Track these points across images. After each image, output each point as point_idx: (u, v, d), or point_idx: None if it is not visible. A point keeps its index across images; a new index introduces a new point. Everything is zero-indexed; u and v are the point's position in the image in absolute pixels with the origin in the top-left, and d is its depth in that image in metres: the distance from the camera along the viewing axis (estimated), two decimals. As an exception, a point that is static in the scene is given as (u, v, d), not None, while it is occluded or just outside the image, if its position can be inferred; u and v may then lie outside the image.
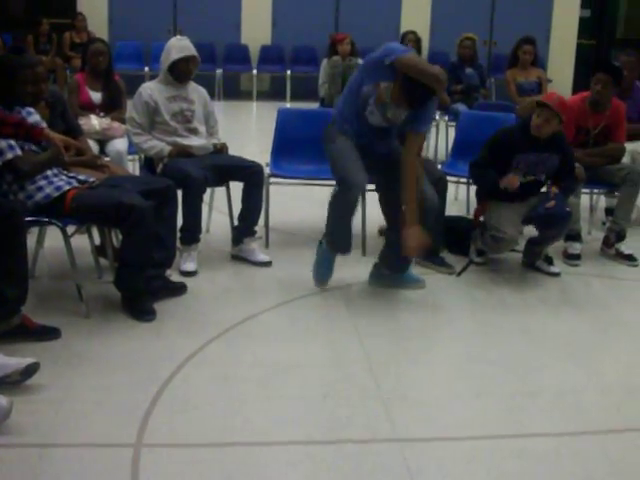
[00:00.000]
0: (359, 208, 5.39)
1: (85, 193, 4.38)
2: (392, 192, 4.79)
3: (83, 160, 4.91)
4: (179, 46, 5.35)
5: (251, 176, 5.33)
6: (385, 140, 4.83)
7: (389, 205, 4.96)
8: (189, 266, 5.17)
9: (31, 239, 4.97)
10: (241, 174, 5.35)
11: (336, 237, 4.85)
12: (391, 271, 5.10)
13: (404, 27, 12.76)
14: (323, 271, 4.99)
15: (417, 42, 9.52)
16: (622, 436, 3.50)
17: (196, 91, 5.53)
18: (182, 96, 5.40)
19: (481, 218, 5.53)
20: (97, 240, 5.09)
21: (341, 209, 4.67)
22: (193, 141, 5.38)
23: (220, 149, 5.56)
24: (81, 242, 5.03)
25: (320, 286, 5.01)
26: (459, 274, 5.42)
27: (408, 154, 4.68)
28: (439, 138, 8.66)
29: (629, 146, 6.25)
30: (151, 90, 5.34)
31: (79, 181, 4.49)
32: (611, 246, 5.94)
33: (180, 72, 5.35)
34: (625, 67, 6.52)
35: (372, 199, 5.64)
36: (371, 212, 5.73)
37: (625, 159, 6.16)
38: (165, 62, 5.34)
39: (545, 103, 5.18)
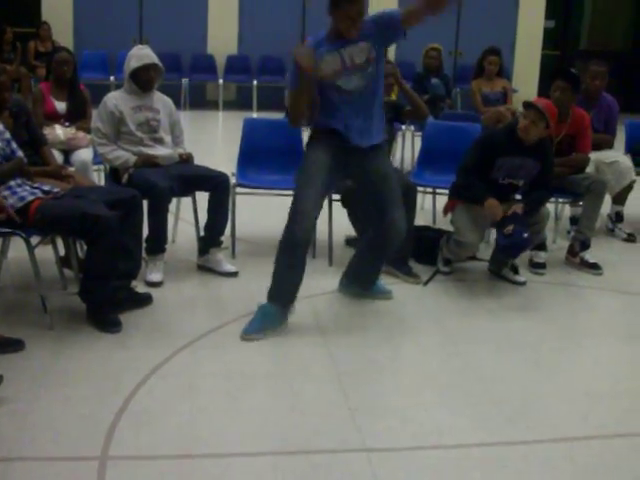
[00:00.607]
0: (325, 219, 5.42)
1: (49, 204, 4.34)
2: (365, 197, 4.79)
3: (47, 170, 4.88)
4: (139, 55, 5.34)
5: (217, 186, 5.31)
6: (363, 119, 4.53)
7: (360, 211, 4.89)
8: (155, 277, 5.14)
9: (-6, 250, 4.93)
10: (207, 184, 5.33)
11: (280, 283, 4.55)
12: (359, 287, 5.10)
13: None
14: (256, 325, 4.50)
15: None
16: (588, 443, 3.51)
17: (161, 100, 5.51)
18: (147, 105, 5.38)
19: (448, 216, 5.54)
20: (62, 251, 5.04)
21: (289, 249, 4.46)
22: (159, 151, 5.36)
23: (186, 159, 5.53)
24: (45, 253, 4.98)
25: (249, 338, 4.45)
26: (426, 283, 5.43)
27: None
28: (405, 148, 8.69)
29: (593, 156, 6.31)
30: (116, 100, 5.31)
31: (43, 191, 4.44)
32: (576, 255, 5.98)
33: (142, 80, 5.33)
34: (595, 77, 6.59)
35: (339, 207, 5.66)
36: (338, 221, 5.74)
37: (589, 169, 6.22)
38: (126, 71, 5.33)
39: (533, 104, 5.19)
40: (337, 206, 5.65)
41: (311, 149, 4.58)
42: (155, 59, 5.36)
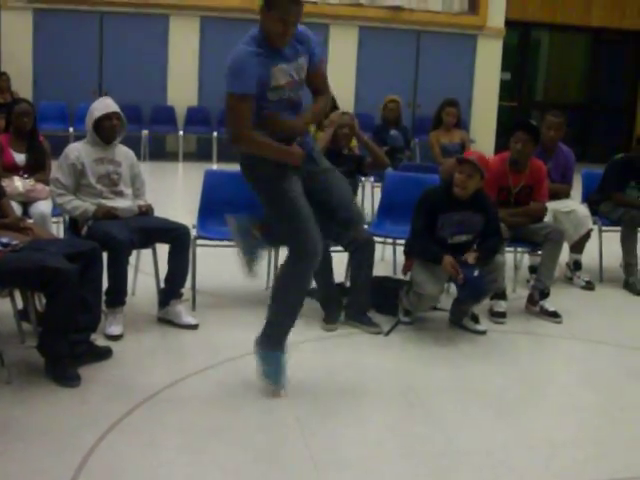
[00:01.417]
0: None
1: (8, 257, 4.30)
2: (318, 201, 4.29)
3: (6, 223, 4.84)
4: (101, 105, 5.39)
5: (177, 238, 5.30)
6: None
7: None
8: (114, 329, 5.08)
9: (-49, 304, 4.85)
10: (167, 236, 5.31)
11: (283, 328, 4.35)
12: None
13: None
14: (277, 376, 4.36)
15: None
16: (551, 494, 3.52)
17: (123, 153, 5.50)
18: (109, 158, 5.37)
19: (407, 275, 5.58)
20: (20, 304, 4.97)
21: (299, 290, 4.28)
22: (118, 203, 5.33)
23: (145, 211, 5.52)
24: (2, 306, 4.91)
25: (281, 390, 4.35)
26: (387, 334, 5.43)
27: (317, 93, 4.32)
28: (365, 199, 8.74)
29: (551, 205, 6.39)
30: (78, 152, 5.30)
31: (2, 244, 4.40)
32: (535, 303, 6.02)
33: (105, 130, 5.34)
34: (551, 127, 6.69)
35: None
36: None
37: (547, 218, 6.29)
38: (89, 122, 5.34)
39: (466, 159, 5.27)
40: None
41: (273, 178, 4.15)
42: (116, 108, 5.38)
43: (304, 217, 4.13)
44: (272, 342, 4.34)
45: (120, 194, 5.38)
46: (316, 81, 4.29)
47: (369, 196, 8.77)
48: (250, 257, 4.38)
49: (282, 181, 4.14)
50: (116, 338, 5.03)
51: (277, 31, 3.91)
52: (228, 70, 3.93)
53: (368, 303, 5.64)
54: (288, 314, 4.34)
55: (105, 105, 5.37)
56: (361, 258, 5.52)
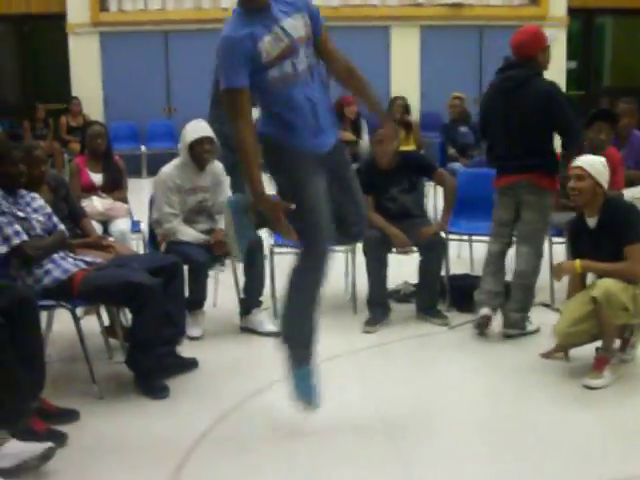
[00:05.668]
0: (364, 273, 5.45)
1: (93, 274, 4.41)
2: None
3: (88, 242, 4.97)
4: (194, 128, 5.42)
5: (250, 250, 5.32)
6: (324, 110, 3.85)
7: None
8: (195, 331, 5.27)
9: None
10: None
11: (303, 338, 4.00)
12: None
13: (394, 91, 12.91)
14: (307, 396, 3.96)
15: (405, 107, 9.72)
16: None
17: (214, 176, 5.56)
18: (201, 186, 5.46)
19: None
20: (106, 320, 5.08)
21: (315, 299, 3.98)
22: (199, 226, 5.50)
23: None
24: (90, 323, 5.02)
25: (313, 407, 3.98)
26: (451, 327, 5.49)
27: (332, 54, 3.91)
28: (437, 198, 8.69)
29: (627, 193, 6.28)
30: (172, 178, 5.39)
31: (86, 263, 4.52)
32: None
33: (197, 155, 5.37)
34: (625, 114, 6.61)
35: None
36: (361, 264, 5.73)
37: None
38: (183, 145, 5.41)
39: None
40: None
41: (296, 166, 3.81)
42: (210, 133, 5.40)
43: (323, 214, 3.80)
44: (295, 359, 3.98)
45: (208, 217, 5.54)
46: (326, 46, 3.87)
47: (442, 194, 8.70)
48: (240, 238, 4.01)
49: (306, 172, 3.80)
50: (196, 339, 5.21)
51: None
52: (219, 61, 3.62)
53: (436, 297, 5.73)
54: (304, 319, 3.98)
55: (198, 129, 5.41)
56: (429, 257, 5.62)
